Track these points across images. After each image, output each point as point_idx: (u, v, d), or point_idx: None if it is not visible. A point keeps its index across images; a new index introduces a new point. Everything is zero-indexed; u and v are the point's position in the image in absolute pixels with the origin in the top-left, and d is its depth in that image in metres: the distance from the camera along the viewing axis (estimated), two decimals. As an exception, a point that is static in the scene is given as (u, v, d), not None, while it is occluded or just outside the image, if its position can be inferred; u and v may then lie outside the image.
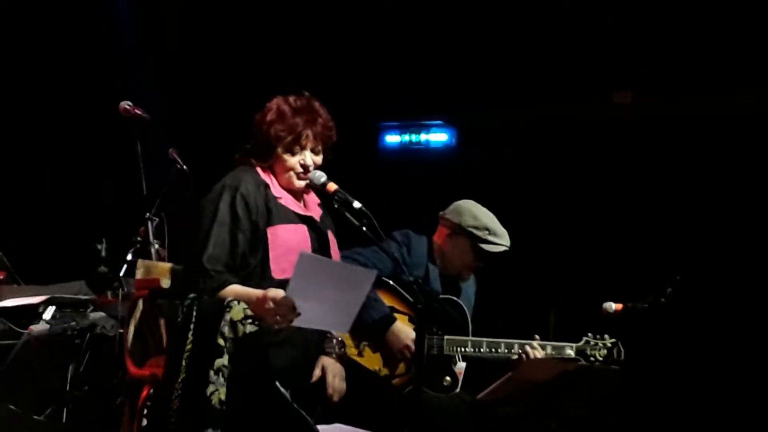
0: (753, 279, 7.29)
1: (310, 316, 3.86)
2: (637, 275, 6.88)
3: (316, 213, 4.33)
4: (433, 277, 5.07)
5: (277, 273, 4.06)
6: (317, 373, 4.25)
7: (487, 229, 5.04)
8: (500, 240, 5.06)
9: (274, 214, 4.16)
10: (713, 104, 7.66)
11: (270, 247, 4.11)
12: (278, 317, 3.83)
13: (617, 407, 6.18)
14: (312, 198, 4.37)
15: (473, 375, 4.99)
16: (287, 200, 4.23)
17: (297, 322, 3.86)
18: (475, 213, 5.09)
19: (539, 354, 4.86)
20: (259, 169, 4.27)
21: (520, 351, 4.87)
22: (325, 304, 3.87)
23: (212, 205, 4.12)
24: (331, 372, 4.27)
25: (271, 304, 3.83)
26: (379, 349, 4.83)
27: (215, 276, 4.00)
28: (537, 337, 4.96)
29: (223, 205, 4.10)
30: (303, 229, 4.20)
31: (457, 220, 5.10)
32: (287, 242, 4.12)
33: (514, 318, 6.42)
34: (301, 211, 4.26)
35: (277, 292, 3.84)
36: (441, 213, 5.20)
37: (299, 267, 3.80)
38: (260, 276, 4.07)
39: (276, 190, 4.23)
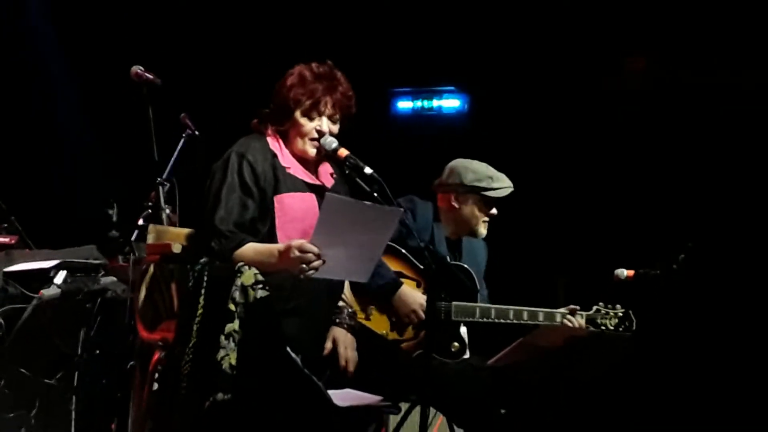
0: (766, 246, 7.27)
1: (334, 265, 3.87)
2: (649, 242, 6.89)
3: (327, 182, 4.31)
4: (438, 240, 5.08)
5: (283, 240, 4.03)
6: (328, 345, 4.24)
7: (489, 177, 5.08)
8: (504, 183, 5.10)
9: (282, 182, 4.15)
10: (727, 71, 7.63)
11: (276, 215, 4.11)
12: (303, 265, 3.83)
13: (628, 374, 6.20)
14: (325, 168, 4.34)
15: (480, 339, 5.00)
16: (296, 170, 4.22)
17: (321, 272, 3.87)
18: (472, 168, 5.11)
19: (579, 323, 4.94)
20: (269, 138, 4.25)
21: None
22: (349, 250, 3.88)
23: (221, 171, 4.12)
24: (342, 343, 4.26)
25: (297, 253, 3.82)
26: (386, 313, 4.83)
27: (231, 236, 4.00)
28: (576, 307, 5.00)
29: (231, 171, 4.09)
30: (311, 197, 4.18)
31: (458, 180, 5.10)
32: (293, 210, 4.11)
33: (524, 285, 6.43)
34: (311, 181, 4.24)
35: (302, 241, 3.84)
36: (436, 181, 5.20)
37: (325, 210, 3.83)
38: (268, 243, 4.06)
39: (285, 159, 4.21)
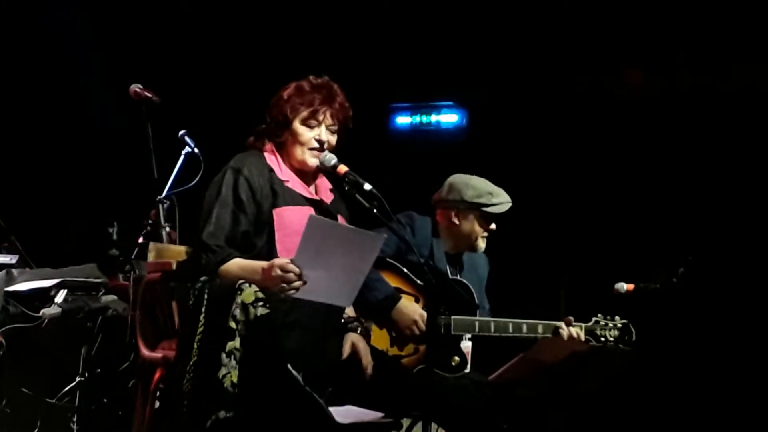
0: (766, 260, 7.27)
1: (316, 286, 3.86)
2: (650, 255, 6.89)
3: (326, 197, 4.31)
4: (438, 256, 5.08)
5: (283, 254, 4.02)
6: (347, 349, 4.25)
7: (489, 193, 5.08)
8: (503, 198, 5.10)
9: (280, 196, 4.15)
10: (726, 79, 7.63)
11: (276, 228, 4.11)
12: (284, 284, 3.83)
13: (629, 388, 6.19)
14: (324, 183, 4.35)
15: (481, 354, 5.00)
16: (294, 183, 4.23)
17: (301, 293, 3.85)
18: (472, 184, 5.11)
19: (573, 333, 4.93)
20: (266, 154, 4.26)
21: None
22: (331, 273, 3.86)
23: (216, 187, 4.13)
24: (363, 349, 4.28)
25: (278, 272, 3.81)
26: (386, 328, 4.83)
27: (218, 251, 4.00)
28: (571, 318, 5.00)
29: (225, 186, 4.10)
30: (310, 211, 4.16)
31: (458, 197, 5.10)
32: (293, 223, 4.10)
33: (524, 298, 6.43)
34: (309, 195, 4.25)
35: (284, 260, 3.83)
36: (435, 197, 5.20)
37: (308, 231, 3.80)
38: (266, 258, 4.03)
39: (282, 174, 4.22)
